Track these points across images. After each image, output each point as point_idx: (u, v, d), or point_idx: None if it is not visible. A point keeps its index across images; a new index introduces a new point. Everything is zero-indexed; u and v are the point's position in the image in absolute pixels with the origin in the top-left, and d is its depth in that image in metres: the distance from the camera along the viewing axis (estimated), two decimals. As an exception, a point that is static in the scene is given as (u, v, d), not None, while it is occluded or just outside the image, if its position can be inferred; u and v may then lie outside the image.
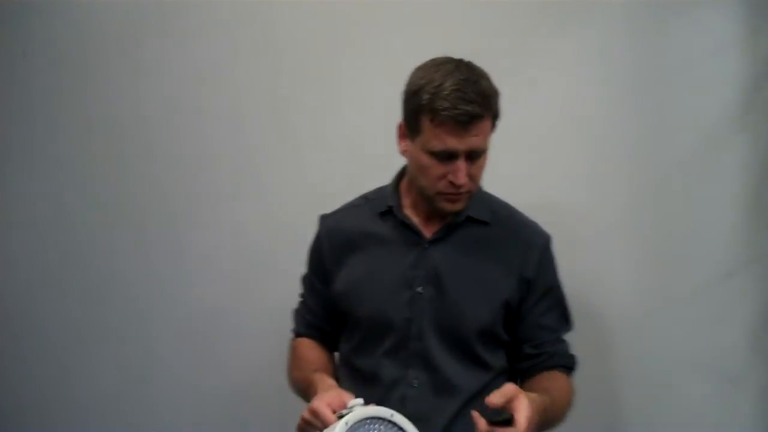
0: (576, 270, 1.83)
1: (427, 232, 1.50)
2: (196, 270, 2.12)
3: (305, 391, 1.46)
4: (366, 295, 1.49)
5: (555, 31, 1.90)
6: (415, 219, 1.51)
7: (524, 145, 1.93)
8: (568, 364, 1.53)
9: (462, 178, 1.39)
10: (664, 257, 1.88)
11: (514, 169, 1.93)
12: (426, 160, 1.40)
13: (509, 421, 1.21)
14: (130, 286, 2.15)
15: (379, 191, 1.58)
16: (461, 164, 1.38)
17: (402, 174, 1.56)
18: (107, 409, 2.15)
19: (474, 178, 1.42)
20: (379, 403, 1.29)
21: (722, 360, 1.84)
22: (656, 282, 1.88)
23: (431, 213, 1.50)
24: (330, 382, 1.39)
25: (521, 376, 1.51)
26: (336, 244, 1.55)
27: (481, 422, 1.21)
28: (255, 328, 2.07)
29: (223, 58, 2.09)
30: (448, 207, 1.44)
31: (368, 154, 1.92)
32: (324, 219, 1.60)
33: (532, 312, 1.50)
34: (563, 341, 1.54)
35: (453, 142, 1.37)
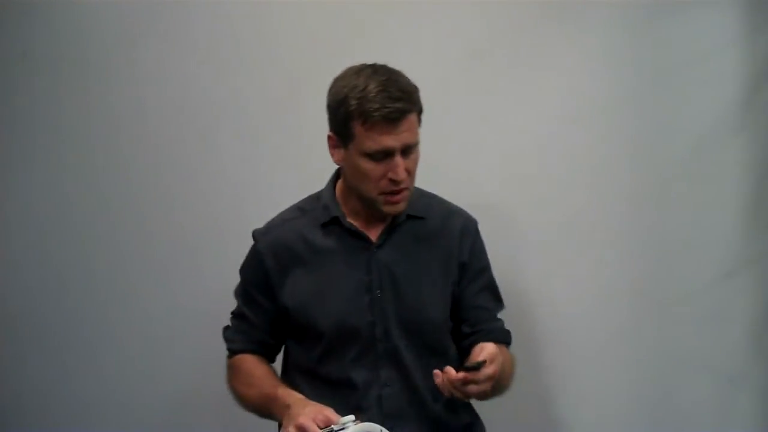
0: (576, 269, 1.84)
1: (372, 236, 1.53)
2: (197, 270, 2.12)
3: (267, 407, 1.48)
4: (326, 307, 1.51)
5: (555, 31, 1.90)
6: (357, 225, 1.54)
7: (524, 145, 1.93)
8: (505, 339, 1.58)
9: (402, 173, 1.43)
10: (664, 257, 1.88)
11: (515, 168, 1.94)
12: (364, 163, 1.44)
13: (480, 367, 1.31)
14: (131, 285, 2.15)
15: (314, 202, 1.60)
16: (398, 160, 1.43)
17: (335, 183, 1.59)
18: (108, 408, 2.15)
19: (410, 173, 1.47)
20: (356, 407, 1.37)
21: (722, 360, 1.84)
22: (656, 282, 1.88)
23: (370, 218, 1.53)
24: (299, 396, 1.42)
25: (462, 354, 1.54)
26: (281, 259, 1.55)
27: (450, 372, 1.30)
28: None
29: (223, 58, 2.09)
30: (392, 209, 1.48)
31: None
32: (262, 234, 1.59)
33: (467, 293, 1.56)
34: (498, 319, 1.60)
35: (388, 141, 1.41)
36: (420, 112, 1.47)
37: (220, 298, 2.09)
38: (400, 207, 1.48)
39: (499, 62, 1.92)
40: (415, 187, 1.55)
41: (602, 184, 1.90)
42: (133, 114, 2.14)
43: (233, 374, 1.61)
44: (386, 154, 1.43)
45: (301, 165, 2.05)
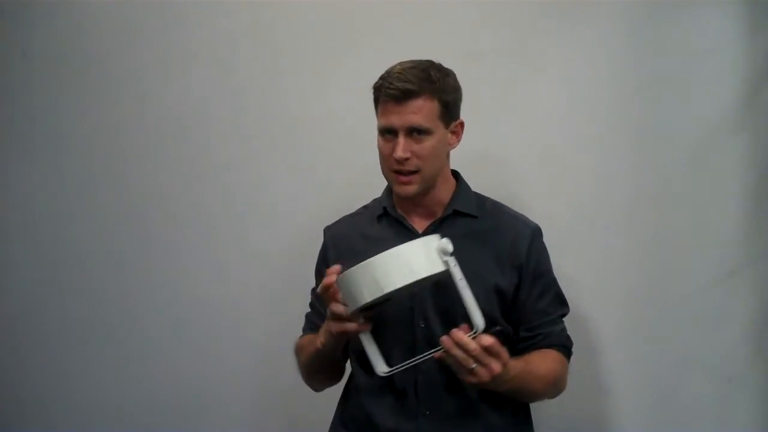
0: (576, 269, 1.83)
1: (419, 228, 1.57)
2: (196, 270, 2.12)
3: (314, 351, 1.51)
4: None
5: (555, 31, 1.90)
6: (406, 217, 1.59)
7: (524, 145, 1.93)
8: (563, 344, 1.58)
9: (399, 152, 1.48)
10: (665, 257, 1.88)
11: (515, 168, 1.94)
12: (379, 141, 1.53)
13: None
14: (129, 285, 2.16)
15: (376, 200, 1.67)
16: (400, 140, 1.48)
17: None
18: (107, 408, 2.16)
19: (420, 157, 1.50)
20: (392, 390, 1.45)
21: (722, 360, 1.84)
22: (656, 282, 1.88)
23: (419, 210, 1.58)
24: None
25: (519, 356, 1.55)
26: (340, 249, 1.61)
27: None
28: (254, 328, 2.08)
29: (223, 58, 2.09)
30: (401, 189, 1.53)
31: (369, 154, 1.92)
32: (328, 229, 1.68)
33: (526, 297, 1.56)
34: (558, 323, 1.59)
35: (391, 119, 1.48)
36: (445, 103, 1.50)
37: (218, 299, 2.10)
38: (409, 189, 1.52)
39: (499, 62, 1.93)
40: (472, 190, 1.62)
41: (602, 184, 1.90)
42: (133, 114, 2.14)
43: (298, 347, 1.64)
44: (392, 133, 1.49)
45: (300, 166, 2.05)
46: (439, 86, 1.49)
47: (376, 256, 1.31)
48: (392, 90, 1.46)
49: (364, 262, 1.31)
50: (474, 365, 1.33)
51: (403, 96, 1.46)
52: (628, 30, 1.88)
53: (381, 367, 1.40)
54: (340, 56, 2.03)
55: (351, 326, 1.39)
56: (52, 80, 2.18)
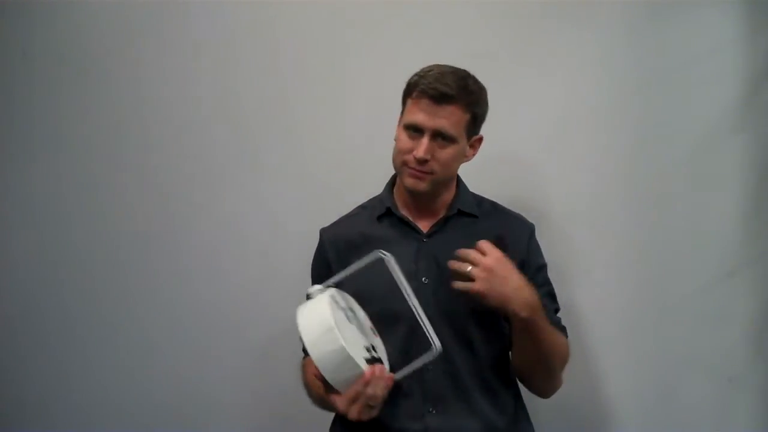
0: (576, 270, 1.84)
1: (423, 228, 1.59)
2: (196, 270, 2.12)
3: (326, 406, 1.51)
4: (374, 292, 1.53)
5: (555, 31, 1.91)
6: (409, 216, 1.60)
7: (524, 146, 1.93)
8: (562, 332, 1.61)
9: (421, 152, 1.49)
10: (665, 257, 1.88)
11: (515, 169, 1.94)
12: (400, 134, 1.54)
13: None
14: (129, 285, 2.15)
15: (374, 200, 1.67)
16: (425, 140, 1.49)
17: (393, 180, 1.65)
18: (107, 408, 2.15)
19: (439, 161, 1.51)
20: (398, 390, 1.44)
21: (722, 360, 1.84)
22: (656, 282, 1.88)
23: (422, 210, 1.60)
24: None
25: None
26: (340, 250, 1.61)
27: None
28: (254, 329, 2.08)
29: (224, 58, 2.09)
30: (412, 183, 1.53)
31: (368, 154, 1.92)
32: (325, 231, 1.67)
33: None
34: (554, 317, 1.62)
35: (422, 117, 1.49)
36: (475, 116, 1.52)
37: (219, 299, 2.10)
38: (421, 185, 1.53)
39: (499, 63, 1.93)
40: (473, 192, 1.64)
41: (602, 185, 1.90)
42: (133, 114, 2.14)
43: (303, 375, 1.64)
44: (417, 131, 1.50)
45: (301, 167, 2.05)
46: (474, 98, 1.51)
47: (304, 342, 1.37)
48: (431, 90, 1.47)
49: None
50: (468, 267, 1.41)
51: (440, 98, 1.47)
52: (628, 30, 1.88)
53: (436, 349, 1.39)
54: (340, 56, 2.03)
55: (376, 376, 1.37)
56: (52, 80, 2.18)
